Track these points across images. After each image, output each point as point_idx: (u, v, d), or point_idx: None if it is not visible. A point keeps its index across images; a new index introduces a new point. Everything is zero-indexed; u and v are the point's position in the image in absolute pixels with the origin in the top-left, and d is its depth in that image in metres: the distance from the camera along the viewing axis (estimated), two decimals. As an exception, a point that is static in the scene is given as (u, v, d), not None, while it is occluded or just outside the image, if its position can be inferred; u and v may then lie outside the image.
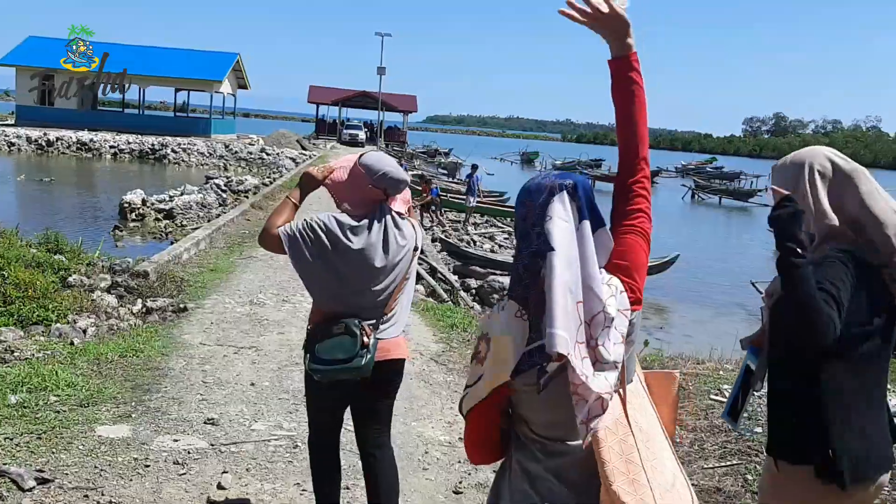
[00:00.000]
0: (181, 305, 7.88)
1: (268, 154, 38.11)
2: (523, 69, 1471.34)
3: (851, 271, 2.11)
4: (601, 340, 1.76)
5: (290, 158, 37.33)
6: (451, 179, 39.09)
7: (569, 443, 1.89)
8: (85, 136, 37.90)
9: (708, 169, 69.21)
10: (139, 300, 8.15)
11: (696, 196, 45.52)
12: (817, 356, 2.13)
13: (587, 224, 1.82)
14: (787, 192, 2.15)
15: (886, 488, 2.50)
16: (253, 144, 41.62)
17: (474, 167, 21.11)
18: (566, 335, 1.70)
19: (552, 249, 1.76)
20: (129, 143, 38.13)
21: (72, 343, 6.15)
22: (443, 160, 50.65)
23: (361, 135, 55.00)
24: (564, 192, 1.84)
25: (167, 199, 19.25)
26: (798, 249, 2.02)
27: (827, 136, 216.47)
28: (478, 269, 14.41)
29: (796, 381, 2.22)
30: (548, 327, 1.71)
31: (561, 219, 1.80)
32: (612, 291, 1.81)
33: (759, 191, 44.94)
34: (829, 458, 2.12)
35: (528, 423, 1.95)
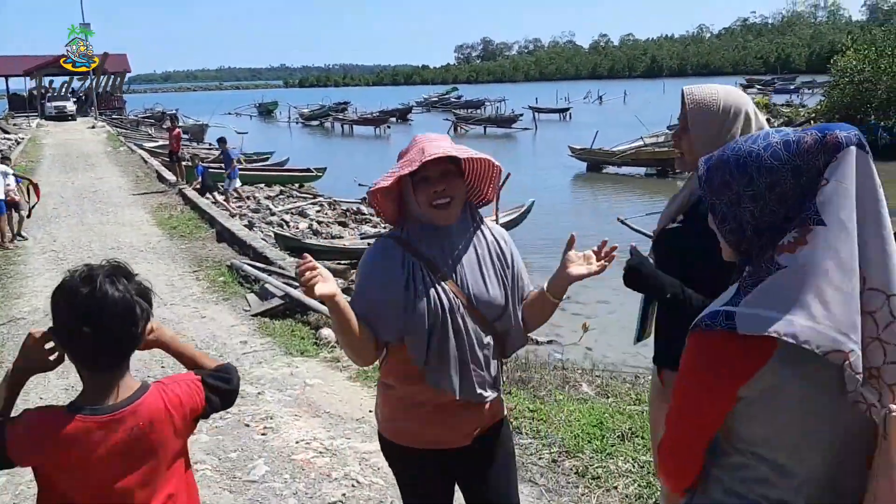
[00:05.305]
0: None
1: (-42, 146, 30.19)
2: (227, 16, 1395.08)
3: None
4: None
5: (-8, 147, 29.91)
6: (199, 146, 33.67)
7: None
8: None
9: (452, 100, 69.38)
10: None
11: (459, 128, 44.44)
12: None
13: None
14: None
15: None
16: (-63, 137, 32.95)
17: (221, 140, 17.73)
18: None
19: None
20: None
21: None
22: (180, 124, 44.21)
23: (70, 105, 47.15)
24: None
25: None
26: None
27: (532, 55, 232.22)
28: (330, 265, 11.08)
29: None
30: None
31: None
32: None
33: (520, 115, 45.14)
34: None
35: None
